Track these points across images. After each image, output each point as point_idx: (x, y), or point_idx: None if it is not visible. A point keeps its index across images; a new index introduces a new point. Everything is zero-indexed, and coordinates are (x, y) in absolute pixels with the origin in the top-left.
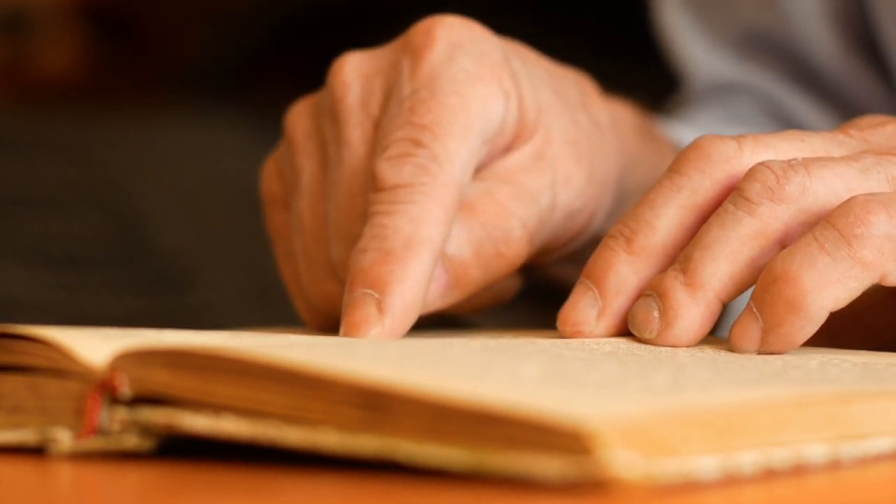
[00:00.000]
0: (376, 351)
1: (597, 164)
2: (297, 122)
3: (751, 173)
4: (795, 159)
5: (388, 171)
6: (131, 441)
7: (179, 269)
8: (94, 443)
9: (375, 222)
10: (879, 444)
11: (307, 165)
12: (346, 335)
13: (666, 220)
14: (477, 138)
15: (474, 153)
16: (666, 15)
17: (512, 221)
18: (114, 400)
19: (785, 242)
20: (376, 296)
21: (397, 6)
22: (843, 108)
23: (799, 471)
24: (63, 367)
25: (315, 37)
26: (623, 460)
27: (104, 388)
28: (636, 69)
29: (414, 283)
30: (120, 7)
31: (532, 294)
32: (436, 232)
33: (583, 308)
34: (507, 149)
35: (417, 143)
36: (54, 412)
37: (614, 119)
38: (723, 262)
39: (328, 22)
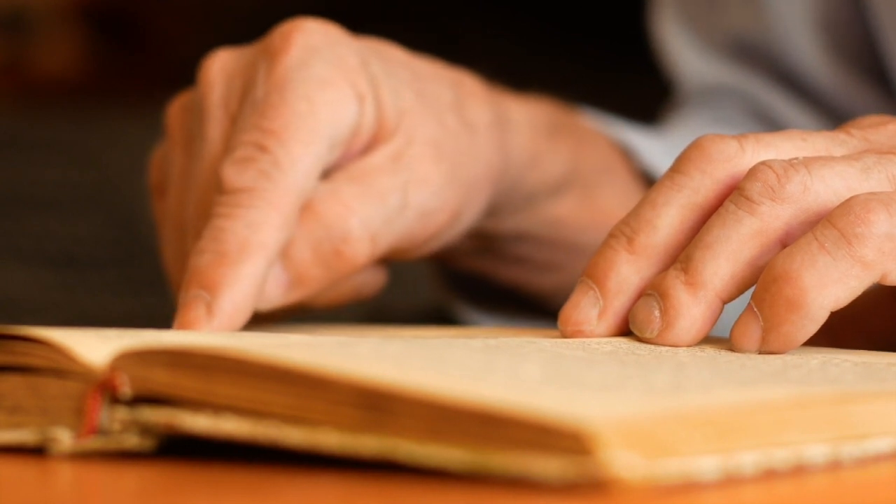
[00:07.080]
0: (377, 351)
1: (461, 165)
2: (173, 116)
3: (752, 172)
4: (796, 158)
5: (232, 174)
6: (131, 441)
7: None
8: (94, 442)
9: (214, 224)
10: (879, 444)
11: (178, 159)
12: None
13: (667, 219)
14: (324, 143)
15: (320, 158)
16: (660, 22)
17: (353, 221)
18: (114, 400)
19: (786, 242)
20: (207, 298)
21: (397, 8)
22: (831, 113)
23: (799, 471)
24: (63, 367)
25: None
26: (623, 461)
27: (104, 387)
28: (636, 78)
29: (245, 287)
30: (120, 7)
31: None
32: (271, 237)
33: (584, 307)
34: (366, 150)
35: (262, 148)
36: (54, 412)
37: (504, 119)
38: (724, 262)
39: None
